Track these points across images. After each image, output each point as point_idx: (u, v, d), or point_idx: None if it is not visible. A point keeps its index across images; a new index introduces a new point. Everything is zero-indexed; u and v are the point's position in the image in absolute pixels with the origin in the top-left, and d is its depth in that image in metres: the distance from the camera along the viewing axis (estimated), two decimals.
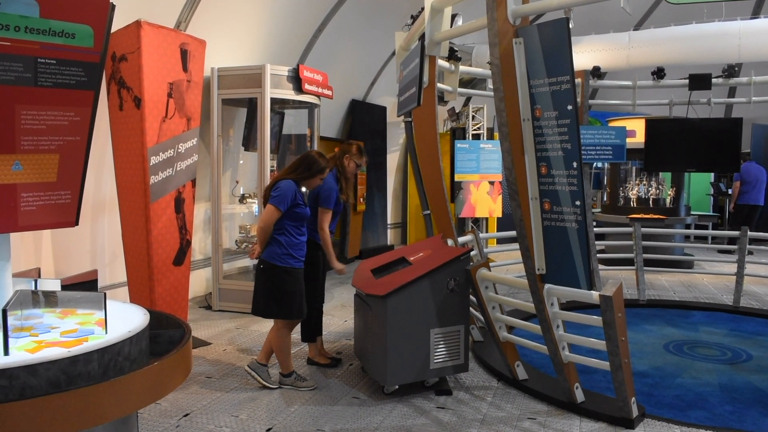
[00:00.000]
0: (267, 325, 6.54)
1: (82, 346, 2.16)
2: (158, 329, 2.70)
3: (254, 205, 7.39)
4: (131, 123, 5.30)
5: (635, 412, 4.08)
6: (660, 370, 5.24)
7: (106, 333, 2.33)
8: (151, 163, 5.27)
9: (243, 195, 7.50)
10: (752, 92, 8.08)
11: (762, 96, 8.38)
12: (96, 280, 3.50)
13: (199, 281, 7.39)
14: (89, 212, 5.99)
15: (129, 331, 2.35)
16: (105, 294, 2.47)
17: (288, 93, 7.18)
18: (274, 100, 7.08)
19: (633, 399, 4.08)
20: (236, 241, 7.45)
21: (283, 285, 4.47)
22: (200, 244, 7.47)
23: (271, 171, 7.17)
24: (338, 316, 7.01)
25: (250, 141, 7.46)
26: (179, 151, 5.60)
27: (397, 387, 4.56)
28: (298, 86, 7.18)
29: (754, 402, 4.51)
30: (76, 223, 2.65)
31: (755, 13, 13.78)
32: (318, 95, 7.56)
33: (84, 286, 3.21)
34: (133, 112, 5.26)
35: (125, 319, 2.53)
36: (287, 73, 7.14)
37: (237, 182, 7.66)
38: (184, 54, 5.63)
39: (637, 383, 4.45)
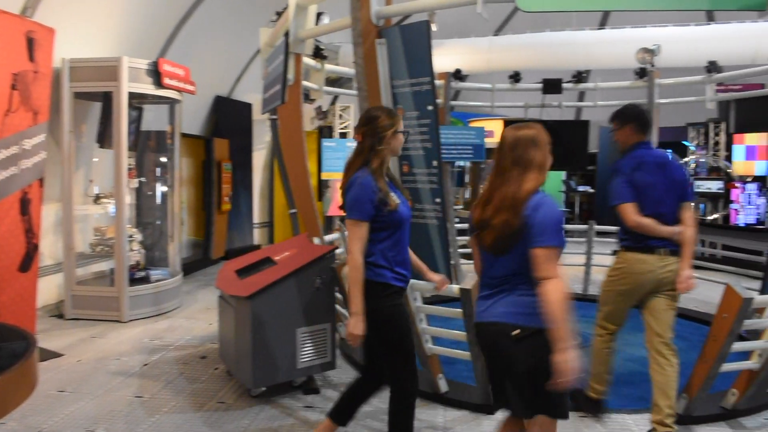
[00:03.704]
0: (125, 332, 6.24)
1: None
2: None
3: (110, 206, 7.00)
4: None
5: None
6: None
7: None
8: None
9: (98, 195, 7.08)
10: (598, 97, 8.71)
11: (607, 101, 9.05)
12: None
13: (49, 288, 6.88)
14: None
15: None
16: None
17: (147, 87, 6.87)
18: (131, 95, 6.74)
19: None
20: (90, 244, 7.03)
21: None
22: (50, 248, 6.95)
23: (129, 169, 6.82)
24: (203, 319, 6.81)
25: (105, 137, 7.05)
26: (24, 147, 5.20)
27: (264, 389, 4.49)
28: (158, 81, 6.90)
29: (617, 384, 4.82)
30: None
31: (602, 25, 14.87)
32: (179, 90, 7.30)
33: None
34: None
35: None
36: (146, 66, 6.85)
37: (91, 181, 7.22)
38: (30, 42, 5.24)
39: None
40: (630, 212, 3.71)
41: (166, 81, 6.95)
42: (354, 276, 2.97)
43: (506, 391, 2.65)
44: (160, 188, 7.86)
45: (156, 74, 6.88)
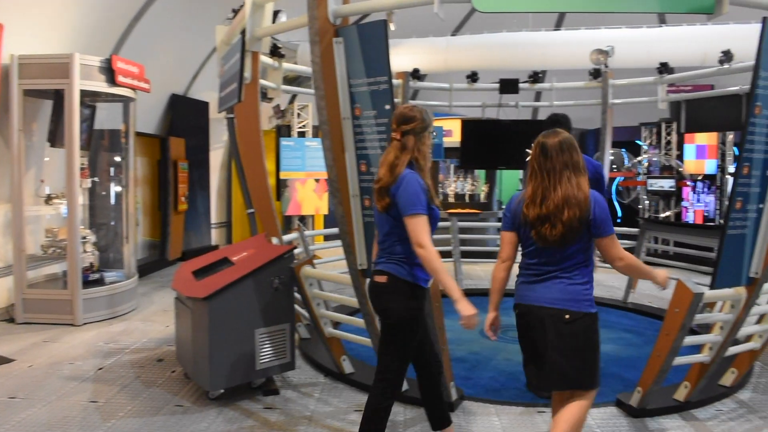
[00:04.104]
0: (79, 336, 6.11)
1: None
2: None
3: (62, 207, 6.83)
4: None
5: (454, 396, 4.32)
6: (477, 355, 5.57)
7: None
8: None
9: (49, 195, 6.90)
10: (554, 97, 8.84)
11: (563, 101, 9.19)
12: None
13: None
14: None
15: None
16: None
17: (100, 85, 6.75)
18: (84, 93, 6.61)
19: (452, 383, 4.33)
20: (42, 246, 6.84)
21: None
22: (0, 250, 6.76)
23: (82, 169, 6.67)
24: (159, 321, 6.70)
25: (56, 136, 6.88)
26: None
27: (222, 391, 4.44)
28: (112, 78, 6.77)
29: None
30: None
31: (558, 26, 15.08)
32: (134, 88, 7.18)
33: None
34: None
35: None
36: (99, 63, 6.72)
37: (42, 181, 7.03)
38: None
39: (455, 368, 4.70)
40: None
41: (120, 78, 6.83)
42: (438, 266, 3.02)
43: (550, 372, 2.96)
44: (115, 188, 7.71)
45: (109, 71, 6.75)
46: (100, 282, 6.91)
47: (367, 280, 4.22)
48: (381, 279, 3.21)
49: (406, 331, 3.21)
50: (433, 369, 3.54)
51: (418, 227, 3.04)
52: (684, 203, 11.83)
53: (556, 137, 3.00)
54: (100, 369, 5.12)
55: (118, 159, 7.68)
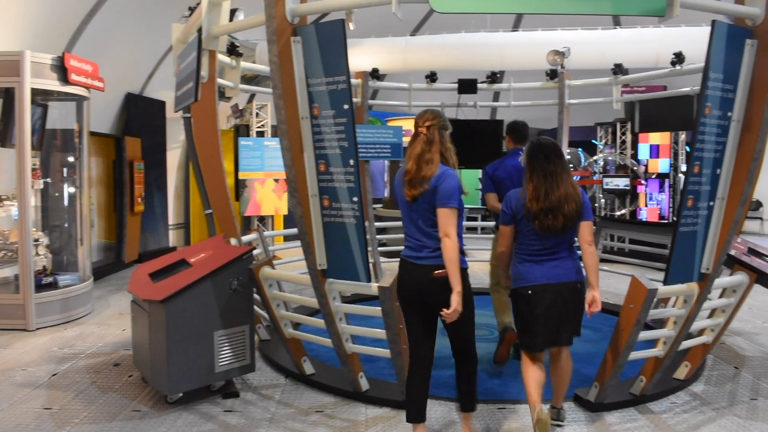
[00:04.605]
0: (32, 341, 5.95)
1: None
2: None
3: (12, 208, 6.64)
4: None
5: None
6: (437, 353, 5.58)
7: None
8: None
9: None
10: (512, 97, 8.93)
11: (521, 101, 9.30)
12: None
13: None
14: None
15: None
16: None
17: (52, 84, 6.60)
18: (35, 91, 6.46)
19: None
20: None
21: None
22: None
23: (33, 170, 6.50)
24: (115, 325, 6.58)
25: (6, 136, 6.71)
26: None
27: (181, 395, 4.38)
28: (64, 76, 6.63)
29: (516, 373, 4.98)
30: None
31: (515, 27, 15.26)
32: (87, 87, 7.03)
33: None
34: None
35: None
36: (51, 61, 6.57)
37: None
38: None
39: None
40: (490, 199, 5.15)
41: (73, 77, 6.68)
42: (455, 256, 3.31)
43: (562, 333, 3.69)
44: (68, 189, 7.53)
45: (62, 70, 6.61)
46: (53, 285, 6.74)
47: (328, 280, 4.23)
48: (442, 273, 3.36)
49: (471, 307, 3.56)
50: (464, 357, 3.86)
51: (449, 219, 3.33)
52: (651, 203, 12.13)
53: (552, 145, 3.71)
54: (54, 375, 5.00)
55: (71, 159, 7.51)
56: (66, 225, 7.58)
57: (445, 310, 3.32)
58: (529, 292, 3.67)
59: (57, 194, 7.52)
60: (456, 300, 3.28)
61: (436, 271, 3.38)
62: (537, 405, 3.64)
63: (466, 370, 3.75)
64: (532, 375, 3.76)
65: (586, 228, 3.67)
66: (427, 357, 3.71)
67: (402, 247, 3.66)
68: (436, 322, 3.59)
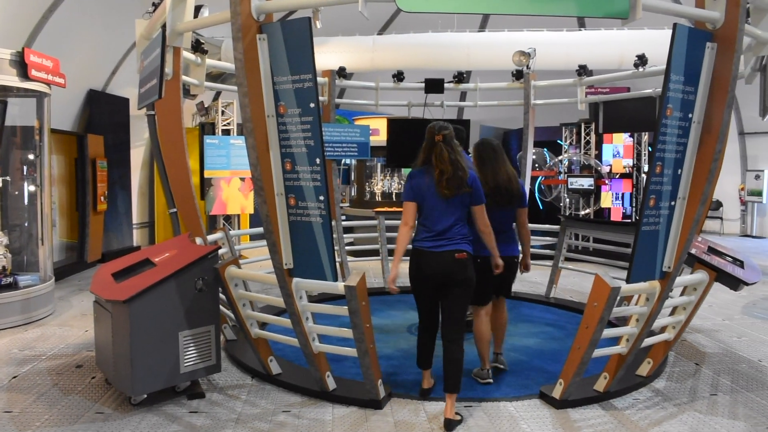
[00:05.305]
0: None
1: None
2: None
3: None
4: None
5: (383, 393, 4.36)
6: (404, 352, 5.61)
7: None
8: None
9: None
10: (478, 97, 8.99)
11: (487, 101, 9.37)
12: None
13: None
14: None
15: None
16: None
17: (11, 79, 6.47)
18: None
19: (380, 381, 4.36)
20: None
21: None
22: None
23: None
24: (77, 326, 6.46)
25: None
26: None
27: (145, 396, 4.32)
28: (24, 72, 6.51)
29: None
30: None
31: (482, 27, 15.37)
32: (48, 83, 6.89)
33: None
34: None
35: None
36: (10, 56, 6.46)
37: None
38: None
39: (383, 366, 4.73)
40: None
41: (33, 73, 6.56)
42: (493, 240, 4.27)
43: (503, 287, 4.92)
44: (28, 188, 7.38)
45: (21, 65, 6.49)
46: (13, 286, 6.60)
47: (294, 280, 4.21)
48: (462, 255, 4.05)
49: (473, 290, 4.18)
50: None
51: (485, 213, 4.17)
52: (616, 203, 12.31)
53: (495, 142, 4.81)
54: (15, 377, 4.89)
55: (31, 157, 7.36)
56: (26, 224, 7.43)
57: (495, 270, 4.40)
58: (479, 261, 4.41)
59: (17, 193, 7.38)
60: (497, 262, 4.36)
61: (457, 254, 4.02)
62: (487, 364, 4.78)
63: (451, 354, 4.12)
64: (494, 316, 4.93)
65: (524, 213, 4.88)
66: (434, 321, 4.32)
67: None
68: (440, 300, 4.20)
